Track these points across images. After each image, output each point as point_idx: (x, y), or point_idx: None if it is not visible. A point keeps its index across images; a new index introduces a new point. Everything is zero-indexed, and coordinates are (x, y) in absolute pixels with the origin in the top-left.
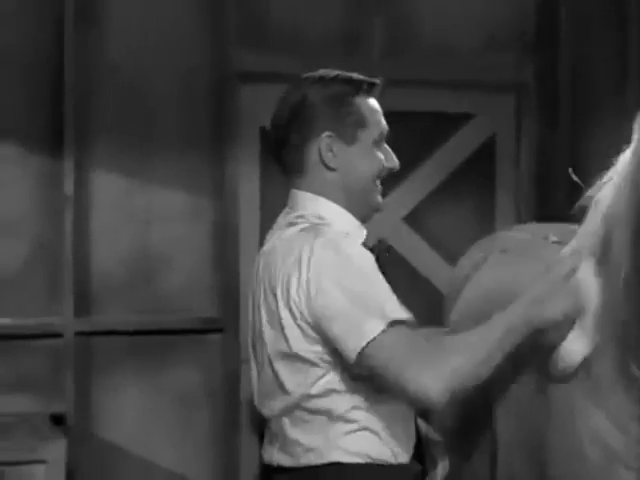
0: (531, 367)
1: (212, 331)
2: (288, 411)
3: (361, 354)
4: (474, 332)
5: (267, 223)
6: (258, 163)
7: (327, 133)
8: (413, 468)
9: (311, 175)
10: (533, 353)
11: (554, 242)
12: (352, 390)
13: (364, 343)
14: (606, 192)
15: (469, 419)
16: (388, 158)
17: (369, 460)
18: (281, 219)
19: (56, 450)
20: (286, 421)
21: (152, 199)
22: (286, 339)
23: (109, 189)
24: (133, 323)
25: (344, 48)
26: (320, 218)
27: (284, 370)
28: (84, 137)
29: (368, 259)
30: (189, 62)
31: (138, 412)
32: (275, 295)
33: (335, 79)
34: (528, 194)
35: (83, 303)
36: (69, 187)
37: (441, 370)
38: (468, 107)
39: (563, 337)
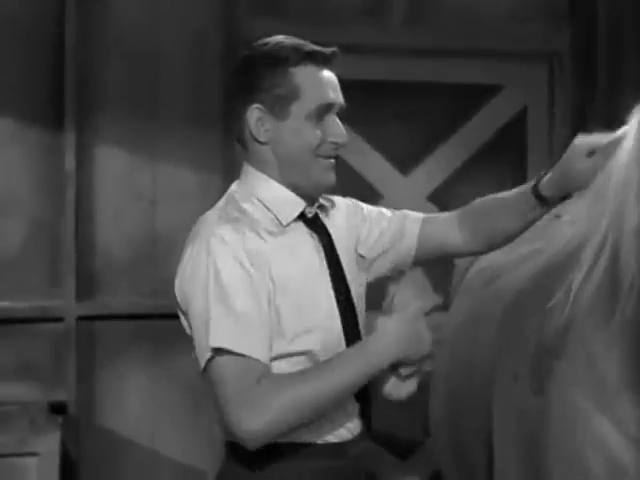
0: (527, 367)
1: None
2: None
3: (204, 372)
4: (308, 379)
5: None
6: None
7: (256, 105)
8: (343, 447)
9: (250, 148)
10: None
11: (566, 221)
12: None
13: (201, 367)
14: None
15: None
16: (332, 132)
17: (288, 440)
18: (228, 191)
19: (49, 442)
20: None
21: (158, 176)
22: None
23: (113, 165)
24: (138, 307)
25: (364, 15)
26: (251, 195)
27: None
28: (86, 110)
29: (234, 276)
30: (198, 30)
31: (143, 400)
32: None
33: (275, 46)
34: None
35: (85, 286)
36: (70, 162)
37: (260, 412)
38: (497, 78)
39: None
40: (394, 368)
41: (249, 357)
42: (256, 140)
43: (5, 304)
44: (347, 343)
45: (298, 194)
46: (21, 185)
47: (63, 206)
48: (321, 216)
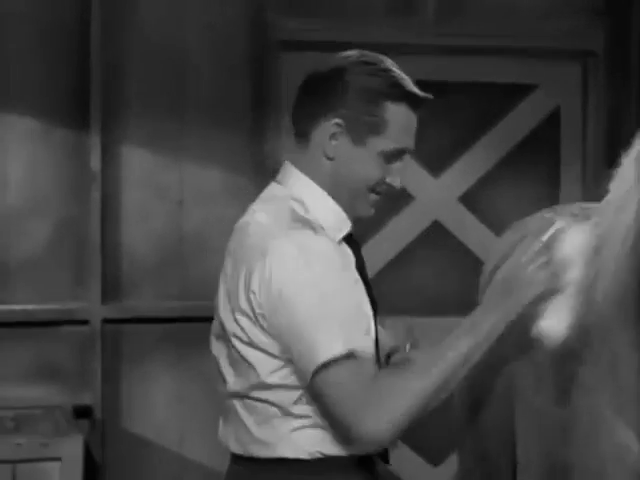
0: (549, 375)
1: None
2: (240, 396)
3: (314, 375)
4: (432, 359)
5: None
6: None
7: (337, 120)
8: (368, 461)
9: (311, 154)
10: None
11: (592, 223)
12: (304, 386)
13: (318, 364)
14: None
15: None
16: (393, 175)
17: (319, 456)
18: (267, 192)
19: (73, 447)
20: (237, 404)
21: (185, 176)
22: (241, 327)
23: (138, 165)
24: (165, 309)
25: (393, 14)
26: (302, 203)
27: (241, 353)
28: (112, 109)
29: (340, 272)
30: (225, 29)
31: (169, 403)
32: (238, 277)
33: (382, 72)
34: (595, 171)
35: (111, 288)
36: (96, 162)
37: (385, 412)
38: (531, 77)
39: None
40: None
41: (364, 356)
42: (323, 152)
43: (30, 306)
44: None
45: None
46: (46, 186)
47: (88, 207)
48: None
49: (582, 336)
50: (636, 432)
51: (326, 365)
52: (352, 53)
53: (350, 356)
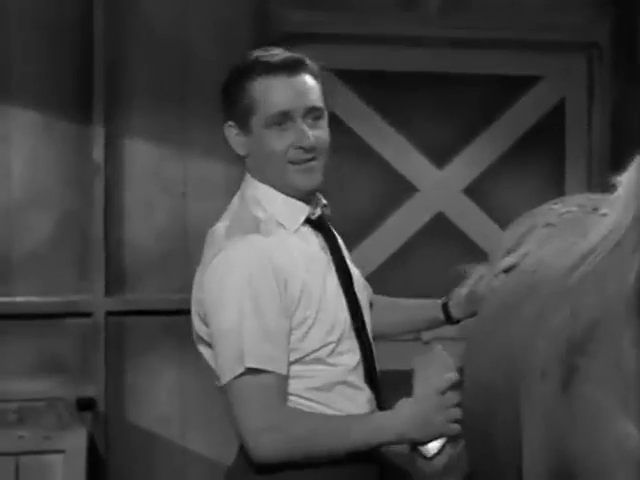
0: (554, 367)
1: None
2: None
3: (224, 387)
4: (322, 423)
5: None
6: None
7: (229, 123)
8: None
9: (243, 158)
10: None
11: (603, 215)
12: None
13: (225, 381)
14: None
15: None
16: (297, 137)
17: None
18: (234, 199)
19: (76, 439)
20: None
21: (189, 169)
22: (201, 331)
23: (142, 157)
24: (168, 302)
25: (399, 6)
26: (257, 203)
27: (206, 354)
28: (115, 101)
29: (262, 285)
30: (229, 21)
31: (173, 396)
32: (197, 284)
33: (242, 62)
34: (601, 163)
35: (114, 281)
36: (99, 155)
37: (278, 439)
38: (536, 69)
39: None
40: (414, 448)
41: (278, 374)
42: (238, 153)
43: (34, 299)
44: (356, 334)
45: (296, 198)
46: (49, 178)
47: (92, 199)
48: (325, 215)
49: (587, 329)
50: (638, 424)
51: (238, 378)
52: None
53: (265, 372)
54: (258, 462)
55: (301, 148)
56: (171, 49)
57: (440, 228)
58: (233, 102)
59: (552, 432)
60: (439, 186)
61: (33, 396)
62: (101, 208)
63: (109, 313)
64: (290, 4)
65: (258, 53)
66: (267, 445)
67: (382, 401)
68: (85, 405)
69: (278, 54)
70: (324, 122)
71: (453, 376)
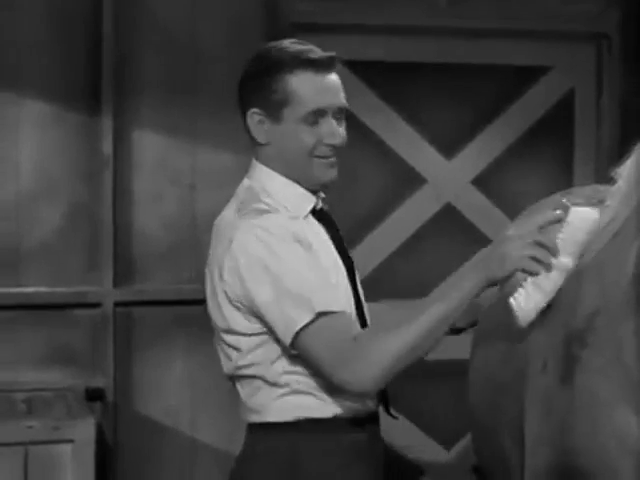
0: (555, 357)
1: None
2: (234, 374)
3: (293, 343)
4: (409, 317)
5: None
6: None
7: (253, 109)
8: (358, 421)
9: (257, 146)
10: None
11: (607, 206)
12: (285, 357)
13: (293, 333)
14: None
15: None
16: (328, 134)
17: (303, 419)
18: (240, 186)
19: (85, 429)
20: (236, 383)
21: (198, 160)
22: (224, 317)
23: (151, 149)
24: (177, 292)
25: None
26: (265, 191)
27: (225, 340)
28: (123, 93)
29: (296, 245)
30: (238, 12)
31: (182, 387)
32: (213, 272)
33: (276, 52)
34: (610, 154)
35: (123, 271)
36: (108, 146)
37: (367, 361)
38: (545, 59)
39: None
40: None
41: (343, 313)
42: (258, 140)
43: (42, 289)
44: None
45: (305, 188)
46: (58, 170)
47: (101, 191)
48: (325, 209)
49: (587, 320)
50: (638, 415)
51: (299, 333)
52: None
53: (320, 316)
54: (364, 390)
55: (330, 145)
56: (180, 41)
57: (449, 219)
58: (266, 90)
59: (552, 425)
60: (448, 177)
61: (42, 386)
62: (110, 199)
63: (118, 304)
64: None
65: (295, 47)
66: (366, 371)
67: (388, 400)
68: (94, 395)
69: (314, 50)
70: (345, 123)
71: (558, 215)
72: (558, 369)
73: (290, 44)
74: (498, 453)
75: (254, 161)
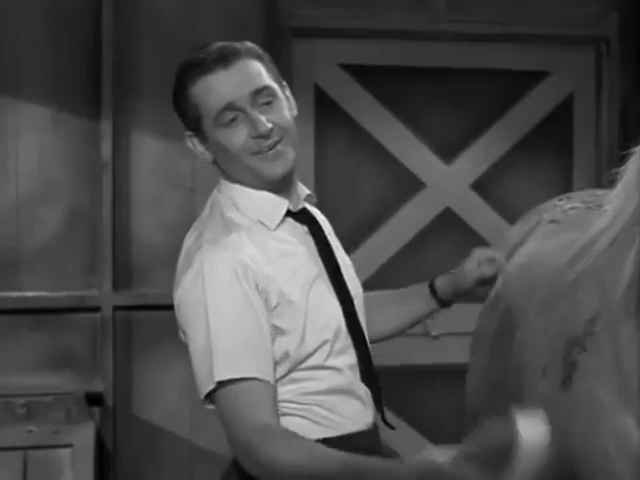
0: (555, 362)
1: None
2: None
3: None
4: (326, 457)
5: (322, 187)
6: (313, 123)
7: (187, 133)
8: (361, 437)
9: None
10: None
11: (606, 211)
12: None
13: (201, 396)
14: None
15: None
16: (250, 126)
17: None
18: (208, 201)
19: (84, 434)
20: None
21: (197, 164)
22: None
23: (150, 152)
24: None
25: (408, 1)
26: (234, 204)
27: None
28: (123, 96)
29: (230, 298)
30: (238, 16)
31: (181, 391)
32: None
33: (178, 73)
34: (609, 157)
35: (123, 275)
36: (107, 150)
37: (267, 458)
38: (544, 63)
39: None
40: None
41: (258, 379)
42: (204, 160)
43: (42, 294)
44: (347, 326)
45: (272, 192)
46: (58, 173)
47: (100, 194)
48: (308, 206)
49: (586, 325)
50: (637, 419)
51: (208, 395)
52: None
53: (234, 383)
54: (248, 470)
55: (259, 136)
56: (180, 43)
57: (448, 223)
58: (183, 111)
59: (552, 429)
60: (447, 181)
61: (41, 390)
62: (109, 203)
63: (117, 308)
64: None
65: (191, 55)
66: (262, 464)
67: (380, 400)
68: (93, 400)
69: (209, 50)
70: (281, 102)
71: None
72: (558, 373)
73: (189, 55)
74: None
75: (220, 178)
